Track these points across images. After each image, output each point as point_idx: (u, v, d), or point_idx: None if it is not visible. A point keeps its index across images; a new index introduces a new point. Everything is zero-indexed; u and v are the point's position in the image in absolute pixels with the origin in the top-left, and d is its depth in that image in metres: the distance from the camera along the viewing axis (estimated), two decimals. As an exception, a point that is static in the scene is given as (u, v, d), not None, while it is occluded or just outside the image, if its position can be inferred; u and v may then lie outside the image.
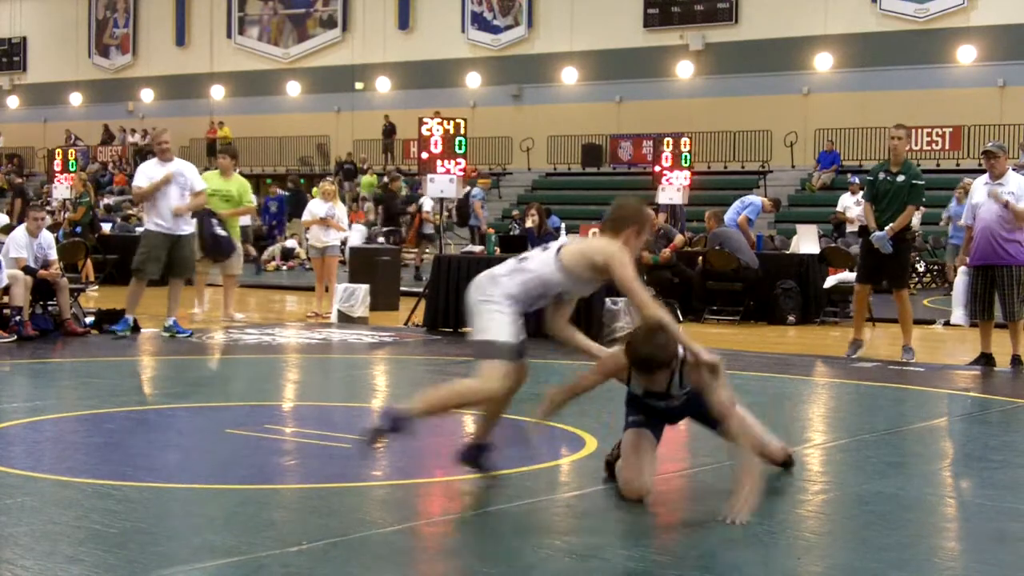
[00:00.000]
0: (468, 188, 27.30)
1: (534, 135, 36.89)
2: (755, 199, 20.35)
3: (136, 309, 13.83)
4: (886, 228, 12.12)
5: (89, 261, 20.93)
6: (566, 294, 6.34)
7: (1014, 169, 12.47)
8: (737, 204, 19.76)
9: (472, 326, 6.30)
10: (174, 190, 13.72)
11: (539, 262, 6.25)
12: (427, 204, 25.40)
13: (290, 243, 29.79)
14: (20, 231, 13.74)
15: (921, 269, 23.61)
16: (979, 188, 12.01)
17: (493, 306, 6.15)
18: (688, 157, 22.88)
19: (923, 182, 12.42)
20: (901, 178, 12.20)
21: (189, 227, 13.94)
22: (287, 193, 33.18)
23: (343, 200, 25.32)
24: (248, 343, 13.35)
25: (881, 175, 12.38)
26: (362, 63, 41.46)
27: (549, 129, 36.97)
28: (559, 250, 6.24)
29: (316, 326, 15.56)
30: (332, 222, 16.85)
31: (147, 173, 13.83)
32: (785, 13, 34.03)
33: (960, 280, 12.85)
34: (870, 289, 12.88)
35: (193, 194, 13.88)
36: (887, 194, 12.24)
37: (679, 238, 17.62)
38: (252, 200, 15.42)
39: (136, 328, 13.78)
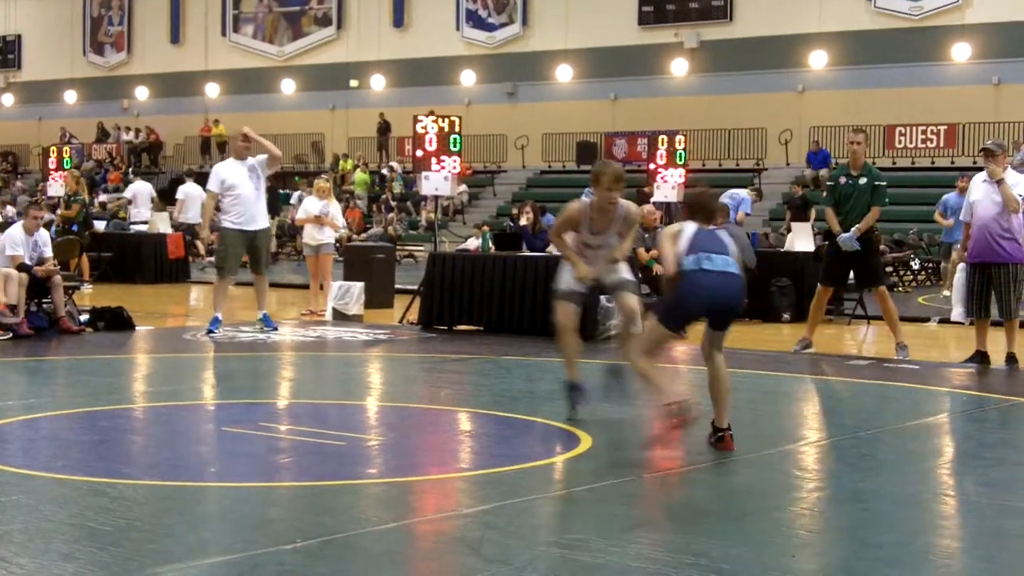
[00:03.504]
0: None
1: (529, 133, 36.87)
2: (743, 194, 20.21)
3: (223, 307, 13.87)
4: (852, 229, 12.28)
5: (85, 258, 20.88)
6: None
7: (1014, 167, 12.50)
8: (726, 200, 19.65)
9: None
10: (250, 186, 13.69)
11: None
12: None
13: None
14: (17, 228, 13.71)
15: (916, 267, 23.63)
16: (977, 185, 11.99)
17: None
18: (683, 155, 22.84)
19: (885, 183, 12.67)
20: (863, 180, 12.42)
21: (263, 222, 13.93)
22: None
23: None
24: (243, 341, 13.33)
25: (843, 179, 12.61)
26: (357, 61, 41.39)
27: (544, 127, 36.93)
28: None
29: (311, 324, 15.55)
30: (327, 220, 16.82)
31: (221, 175, 13.76)
32: (780, 11, 34.00)
33: (959, 277, 12.89)
34: (831, 292, 13.20)
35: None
36: (850, 197, 12.47)
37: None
38: None
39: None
